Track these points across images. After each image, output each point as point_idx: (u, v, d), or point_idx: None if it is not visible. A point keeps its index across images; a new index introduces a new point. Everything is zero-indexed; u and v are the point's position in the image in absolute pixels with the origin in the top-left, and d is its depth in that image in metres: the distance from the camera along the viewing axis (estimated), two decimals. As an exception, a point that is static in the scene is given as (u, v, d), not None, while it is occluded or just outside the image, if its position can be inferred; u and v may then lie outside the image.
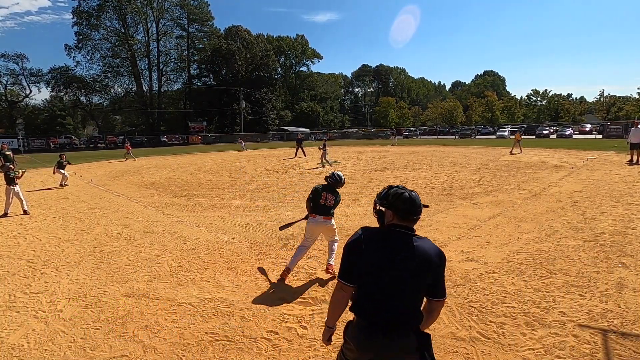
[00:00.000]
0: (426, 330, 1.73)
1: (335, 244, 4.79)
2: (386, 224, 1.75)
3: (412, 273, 1.60)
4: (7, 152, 14.60)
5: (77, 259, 5.56)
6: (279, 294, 4.14)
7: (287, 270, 4.57)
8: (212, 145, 47.38)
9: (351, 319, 1.78)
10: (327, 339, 1.86)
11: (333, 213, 4.63)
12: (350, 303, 1.76)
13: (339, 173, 4.73)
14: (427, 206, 1.75)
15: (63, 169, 13.20)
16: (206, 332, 3.38)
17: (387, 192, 1.77)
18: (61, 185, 13.19)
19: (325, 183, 4.70)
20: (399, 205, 1.68)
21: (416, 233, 1.70)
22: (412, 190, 1.73)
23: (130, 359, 3.03)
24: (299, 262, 4.78)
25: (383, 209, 1.77)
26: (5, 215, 8.68)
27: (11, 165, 9.38)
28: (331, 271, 4.59)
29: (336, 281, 1.73)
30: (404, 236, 1.65)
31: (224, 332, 3.38)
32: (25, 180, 14.21)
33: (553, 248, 5.23)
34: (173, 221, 7.75)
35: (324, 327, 1.88)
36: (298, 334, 3.32)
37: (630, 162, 14.00)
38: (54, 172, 13.31)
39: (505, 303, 3.71)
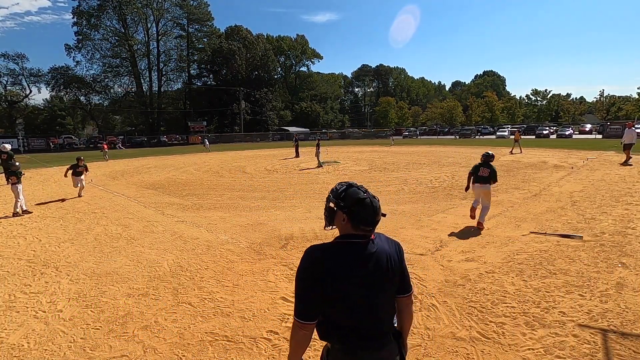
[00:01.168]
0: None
1: (489, 207, 6.58)
2: (339, 233, 1.53)
3: (383, 282, 1.47)
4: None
5: (77, 259, 5.56)
6: (279, 293, 4.14)
7: (473, 209, 6.66)
8: (212, 145, 47.32)
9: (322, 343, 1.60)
10: None
11: (491, 181, 6.48)
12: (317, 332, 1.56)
13: (489, 152, 6.72)
14: (384, 215, 1.54)
15: (79, 175, 11.05)
16: (206, 332, 3.38)
17: (344, 189, 1.51)
18: (79, 195, 11.19)
19: (480, 161, 6.64)
20: (356, 211, 1.44)
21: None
22: (374, 196, 1.50)
23: (130, 359, 3.03)
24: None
25: (335, 207, 1.51)
26: (17, 214, 8.73)
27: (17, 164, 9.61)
28: (481, 227, 6.37)
29: (293, 320, 1.48)
30: (361, 246, 1.45)
31: (224, 332, 3.38)
32: (24, 181, 14.21)
33: (553, 248, 5.23)
34: (173, 221, 7.75)
35: None
36: (298, 334, 3.31)
37: (626, 163, 13.93)
38: (65, 175, 11.14)
39: (505, 303, 3.71)
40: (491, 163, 6.55)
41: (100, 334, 3.41)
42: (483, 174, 6.50)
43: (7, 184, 9.27)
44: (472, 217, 6.64)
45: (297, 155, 23.59)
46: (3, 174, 11.17)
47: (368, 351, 1.46)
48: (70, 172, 11.00)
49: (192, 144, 51.50)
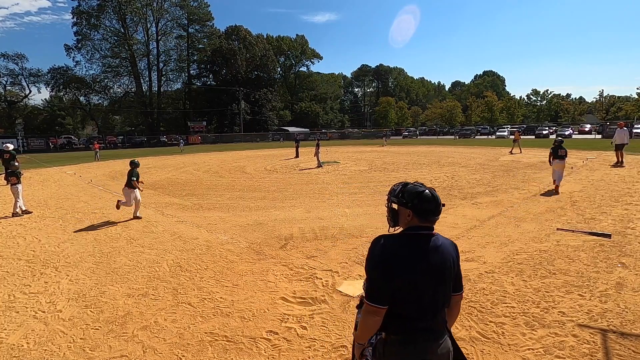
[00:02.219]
0: None
1: (562, 176, 9.50)
2: (405, 226, 1.60)
3: (445, 275, 1.54)
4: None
5: (77, 259, 5.56)
6: (278, 294, 4.14)
7: (556, 185, 9.30)
8: (212, 145, 47.38)
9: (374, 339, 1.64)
10: (361, 355, 1.67)
11: (564, 156, 9.38)
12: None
13: (560, 137, 13.18)
14: (444, 205, 1.63)
15: (134, 188, 7.85)
16: (206, 332, 3.38)
17: (402, 188, 1.62)
18: (135, 216, 7.99)
19: (554, 145, 9.51)
20: (419, 205, 1.53)
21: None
22: (431, 188, 1.60)
23: (130, 359, 3.03)
24: (299, 262, 4.99)
25: (396, 207, 1.62)
26: (16, 215, 8.71)
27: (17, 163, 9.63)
28: (558, 190, 9.21)
29: (365, 304, 1.54)
30: (430, 238, 1.54)
31: (223, 332, 3.38)
32: (23, 181, 14.18)
33: (553, 248, 5.23)
34: (173, 221, 7.75)
35: (354, 344, 1.72)
36: (298, 334, 3.31)
37: (616, 164, 13.81)
38: (134, 187, 7.89)
39: (505, 303, 3.71)
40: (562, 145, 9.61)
41: (100, 334, 3.41)
42: (562, 153, 9.32)
43: (7, 184, 9.27)
44: (555, 183, 9.47)
45: (297, 156, 23.62)
46: (3, 175, 11.15)
47: (428, 342, 1.52)
48: (129, 183, 7.83)
49: (192, 144, 51.44)
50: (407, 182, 1.66)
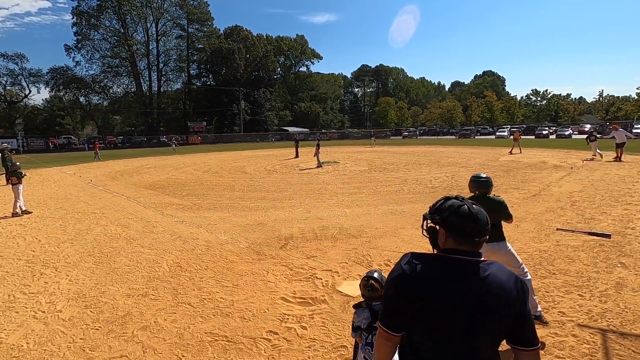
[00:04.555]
0: None
1: (597, 150, 16.39)
2: (441, 248, 1.34)
3: (490, 313, 1.20)
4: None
5: (77, 259, 5.56)
6: (278, 294, 4.14)
7: (597, 155, 16.17)
8: (212, 146, 47.39)
9: None
10: None
11: (595, 140, 16.84)
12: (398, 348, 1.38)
13: (591, 129, 20.22)
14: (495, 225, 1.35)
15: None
16: (206, 332, 3.37)
17: (441, 204, 1.36)
18: None
19: (589, 134, 17.29)
20: (453, 222, 1.27)
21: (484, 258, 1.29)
22: (474, 203, 1.33)
23: (130, 359, 3.03)
24: (299, 262, 5.02)
25: (435, 225, 1.37)
26: (16, 215, 8.70)
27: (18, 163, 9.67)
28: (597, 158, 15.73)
29: (378, 325, 1.34)
30: (466, 264, 1.24)
31: (223, 332, 3.38)
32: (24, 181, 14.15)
33: (552, 248, 5.23)
34: (172, 221, 7.75)
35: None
36: (298, 334, 3.31)
37: (617, 159, 15.39)
38: None
39: (505, 303, 3.70)
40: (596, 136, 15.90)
41: (100, 335, 3.41)
42: (592, 139, 16.28)
43: (7, 184, 9.27)
44: (594, 155, 15.64)
45: (297, 156, 23.63)
46: (3, 174, 11.16)
47: None
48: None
49: (192, 144, 51.44)
50: (449, 196, 1.39)
